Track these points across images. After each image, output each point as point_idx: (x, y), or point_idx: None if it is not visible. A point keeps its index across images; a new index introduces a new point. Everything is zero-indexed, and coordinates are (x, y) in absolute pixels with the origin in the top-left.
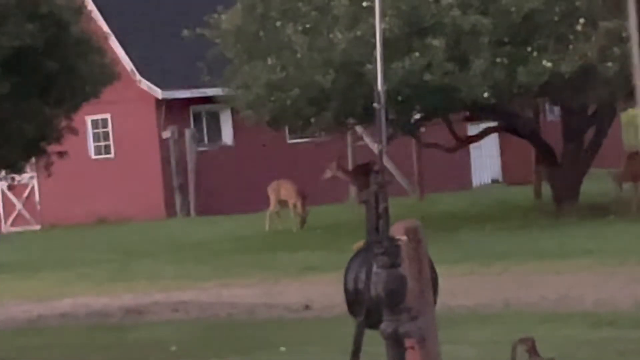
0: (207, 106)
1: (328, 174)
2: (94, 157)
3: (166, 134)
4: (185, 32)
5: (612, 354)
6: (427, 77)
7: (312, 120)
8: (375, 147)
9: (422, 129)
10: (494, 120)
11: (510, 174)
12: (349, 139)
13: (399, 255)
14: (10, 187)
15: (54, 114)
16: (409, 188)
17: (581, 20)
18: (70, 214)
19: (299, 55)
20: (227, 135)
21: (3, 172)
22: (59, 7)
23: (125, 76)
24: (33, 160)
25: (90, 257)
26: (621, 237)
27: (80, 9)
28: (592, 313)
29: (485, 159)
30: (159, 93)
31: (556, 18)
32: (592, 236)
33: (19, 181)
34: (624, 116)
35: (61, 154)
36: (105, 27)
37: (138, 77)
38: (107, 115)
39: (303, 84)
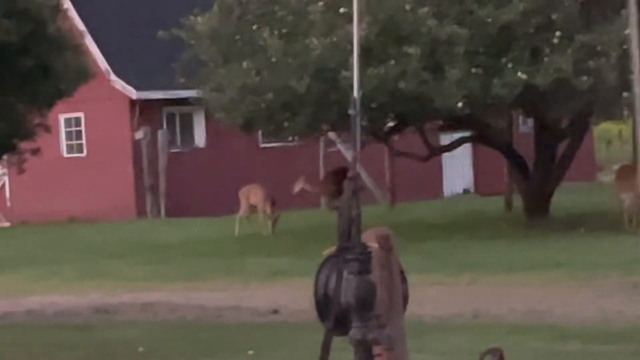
0: (181, 108)
1: (296, 188)
2: (66, 155)
3: (139, 135)
4: (161, 33)
5: None
6: (402, 85)
7: (286, 124)
8: (348, 154)
9: (395, 137)
10: (467, 130)
11: (482, 185)
12: (321, 144)
13: (370, 262)
14: None
15: (27, 111)
16: (380, 196)
17: (557, 34)
18: (41, 212)
19: (274, 60)
20: (200, 138)
21: None
22: (36, 5)
23: (100, 75)
24: (5, 157)
25: (60, 256)
26: (591, 250)
27: (57, 7)
28: (560, 326)
29: (458, 169)
30: (133, 93)
31: (532, 30)
32: (562, 249)
33: None
34: (597, 130)
35: (34, 152)
36: (81, 26)
37: (112, 76)
38: (81, 114)
39: (277, 88)
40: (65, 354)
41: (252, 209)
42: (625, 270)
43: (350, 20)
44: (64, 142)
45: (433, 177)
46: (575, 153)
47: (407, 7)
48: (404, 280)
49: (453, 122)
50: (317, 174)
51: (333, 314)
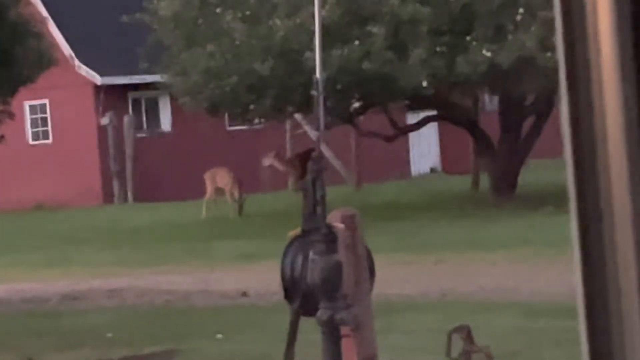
0: (146, 93)
1: (266, 162)
2: (31, 142)
3: (104, 120)
4: (125, 18)
5: (548, 344)
6: (366, 65)
7: (251, 107)
8: (314, 135)
9: (361, 118)
10: (432, 109)
11: (448, 164)
12: (287, 126)
13: (336, 242)
14: None
15: None
16: (347, 177)
17: (520, 10)
18: (7, 200)
19: (237, 43)
20: (166, 122)
21: None
22: None
23: (64, 62)
24: None
25: (27, 243)
26: (558, 227)
27: None
28: (528, 303)
29: (424, 148)
30: (97, 79)
31: (495, 8)
32: (529, 226)
33: None
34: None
35: None
36: (43, 12)
37: (77, 62)
38: (45, 101)
39: (242, 71)
40: (33, 342)
41: (219, 192)
42: None
43: (313, 1)
44: (29, 130)
45: (400, 157)
46: (541, 130)
47: None
48: (370, 260)
49: (418, 102)
50: (284, 157)
51: (300, 295)
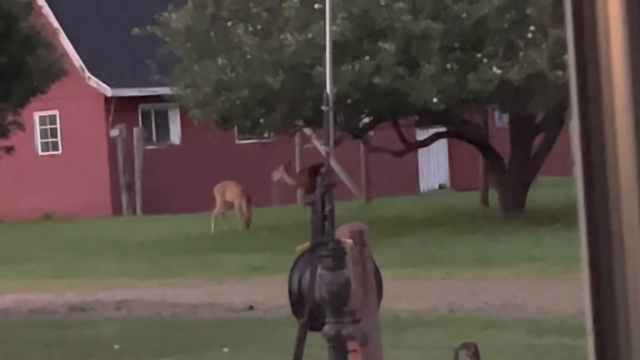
0: (156, 105)
1: (275, 176)
2: (41, 153)
3: (114, 132)
4: (136, 30)
5: None
6: (377, 80)
7: (261, 121)
8: (323, 150)
9: (371, 133)
10: (442, 125)
11: (457, 180)
12: (297, 140)
13: (344, 257)
14: None
15: (0, 108)
16: (356, 191)
17: (531, 28)
18: (16, 210)
19: (248, 56)
20: (176, 135)
21: None
22: (8, 2)
23: (75, 73)
24: None
25: (35, 253)
26: (566, 244)
27: (30, 4)
28: (536, 320)
29: (433, 165)
30: (108, 91)
31: (507, 25)
32: (537, 243)
33: None
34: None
35: (8, 150)
36: (55, 23)
37: (87, 74)
38: (56, 112)
39: (252, 84)
40: (40, 352)
41: (228, 205)
42: None
43: (324, 16)
44: (38, 140)
45: (409, 173)
46: (551, 148)
47: (382, 2)
48: (378, 275)
49: (429, 118)
50: (294, 171)
51: (307, 310)
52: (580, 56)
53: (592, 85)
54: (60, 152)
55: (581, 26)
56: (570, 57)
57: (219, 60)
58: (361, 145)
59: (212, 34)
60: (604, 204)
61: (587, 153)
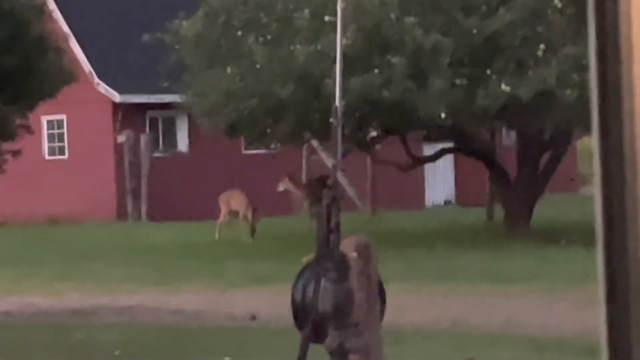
0: (164, 112)
1: (280, 187)
2: (47, 157)
3: (121, 138)
4: (146, 37)
5: None
6: (386, 94)
7: (269, 131)
8: (329, 162)
9: (378, 146)
10: (450, 141)
11: (463, 196)
12: (304, 152)
13: (348, 270)
14: None
15: (9, 111)
16: (361, 204)
17: (541, 46)
18: (22, 213)
19: (258, 66)
20: (183, 143)
21: None
22: (20, 5)
23: (83, 78)
24: None
25: (39, 257)
26: (571, 262)
27: (41, 8)
28: (538, 337)
29: (439, 180)
30: (116, 96)
31: (517, 42)
32: (541, 260)
33: None
34: (580, 144)
35: (15, 153)
36: (65, 28)
37: (96, 79)
38: (63, 116)
39: (261, 94)
40: (41, 355)
41: (234, 214)
42: None
43: (335, 28)
44: (46, 144)
45: (415, 188)
46: (558, 165)
47: (393, 16)
48: (381, 288)
49: (436, 132)
50: (299, 181)
51: (310, 322)
52: (602, 75)
53: (612, 111)
54: (67, 156)
55: (604, 45)
56: (592, 76)
57: (229, 69)
58: (367, 158)
59: (222, 42)
60: (622, 224)
61: (605, 173)
